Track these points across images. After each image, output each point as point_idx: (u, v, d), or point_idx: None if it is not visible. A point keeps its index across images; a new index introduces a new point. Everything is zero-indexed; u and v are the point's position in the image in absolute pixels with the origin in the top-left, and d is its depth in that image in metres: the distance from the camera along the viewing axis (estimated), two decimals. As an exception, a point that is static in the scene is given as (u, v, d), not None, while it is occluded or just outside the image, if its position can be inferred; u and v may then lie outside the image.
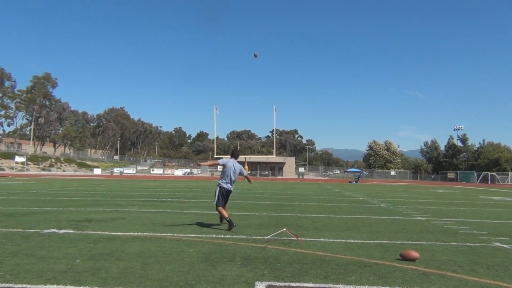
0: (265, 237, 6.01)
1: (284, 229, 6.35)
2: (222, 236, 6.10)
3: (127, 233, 6.16)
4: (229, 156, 7.30)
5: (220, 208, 6.76)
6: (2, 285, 3.47)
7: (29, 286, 3.44)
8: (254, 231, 6.61)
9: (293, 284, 3.65)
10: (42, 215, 8.23)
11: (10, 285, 3.45)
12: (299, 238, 5.85)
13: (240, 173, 7.01)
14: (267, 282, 3.70)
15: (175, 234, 6.16)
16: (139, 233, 6.18)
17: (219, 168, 7.18)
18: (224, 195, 6.85)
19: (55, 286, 3.44)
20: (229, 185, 6.88)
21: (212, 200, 7.08)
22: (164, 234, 6.19)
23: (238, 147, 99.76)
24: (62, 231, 6.28)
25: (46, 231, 6.25)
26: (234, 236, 6.07)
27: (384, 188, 28.15)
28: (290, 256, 4.80)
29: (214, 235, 6.13)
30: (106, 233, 6.17)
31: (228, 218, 6.64)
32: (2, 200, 11.59)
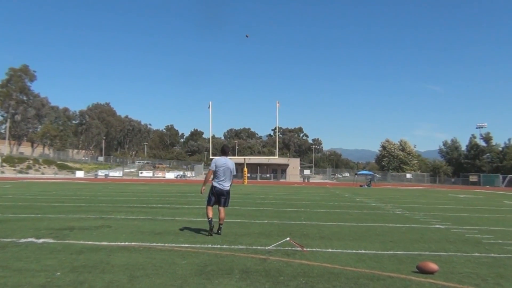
0: (267, 247, 6.01)
1: (288, 239, 6.36)
2: (219, 246, 6.10)
3: (113, 243, 6.16)
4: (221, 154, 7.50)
5: (208, 207, 7.04)
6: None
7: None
8: (254, 241, 6.62)
9: (297, 300, 3.64)
10: (19, 223, 8.24)
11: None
12: (304, 249, 5.86)
13: (231, 172, 7.16)
14: (269, 298, 3.69)
15: (167, 244, 6.16)
16: (126, 243, 6.18)
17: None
18: (216, 195, 7.04)
19: (33, 301, 3.44)
20: (221, 183, 7.02)
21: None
22: (154, 243, 6.19)
23: (237, 147, 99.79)
24: (41, 240, 6.29)
25: (23, 240, 6.26)
26: (232, 246, 6.08)
27: (398, 192, 28.17)
28: (294, 268, 4.80)
29: (209, 245, 6.13)
30: (90, 242, 6.17)
31: (209, 219, 6.91)
32: (-26, 206, 11.59)
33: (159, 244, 6.16)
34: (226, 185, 7.07)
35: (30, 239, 6.33)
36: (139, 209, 11.73)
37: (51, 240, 6.29)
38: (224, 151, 7.41)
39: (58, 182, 34.84)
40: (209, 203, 7.07)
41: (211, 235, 6.88)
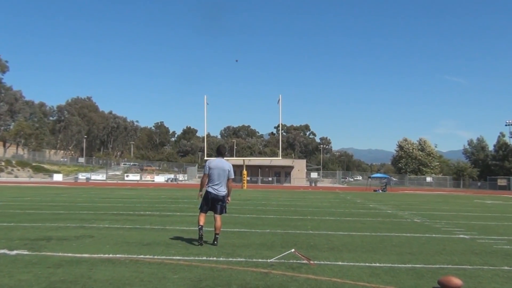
0: (269, 260, 6.01)
1: (293, 250, 6.35)
2: (215, 258, 6.11)
3: (96, 255, 6.17)
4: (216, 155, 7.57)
5: (200, 213, 7.19)
6: None
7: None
8: (254, 253, 6.62)
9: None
10: (-11, 232, 8.26)
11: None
12: (311, 262, 5.86)
13: (228, 175, 7.25)
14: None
15: (156, 256, 6.17)
16: (111, 255, 6.19)
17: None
18: (209, 201, 7.13)
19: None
20: (216, 188, 7.09)
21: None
22: (142, 256, 6.19)
23: (235, 147, 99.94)
24: (14, 252, 6.29)
25: (-6, 252, 6.27)
26: (230, 259, 6.09)
27: (418, 198, 28.28)
28: (300, 284, 4.81)
29: (204, 258, 6.14)
30: (69, 254, 6.17)
31: (199, 227, 7.04)
32: None
33: (147, 256, 6.17)
34: (221, 190, 7.12)
35: (2, 251, 6.34)
36: (125, 217, 11.75)
37: (25, 252, 6.30)
38: (219, 152, 7.47)
39: (34, 187, 34.91)
40: (201, 209, 7.19)
41: (201, 244, 6.97)
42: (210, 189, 7.10)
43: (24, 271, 5.10)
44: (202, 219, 7.08)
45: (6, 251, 6.37)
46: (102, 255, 6.17)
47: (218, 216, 7.10)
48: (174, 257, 6.12)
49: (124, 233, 8.59)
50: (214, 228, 7.11)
